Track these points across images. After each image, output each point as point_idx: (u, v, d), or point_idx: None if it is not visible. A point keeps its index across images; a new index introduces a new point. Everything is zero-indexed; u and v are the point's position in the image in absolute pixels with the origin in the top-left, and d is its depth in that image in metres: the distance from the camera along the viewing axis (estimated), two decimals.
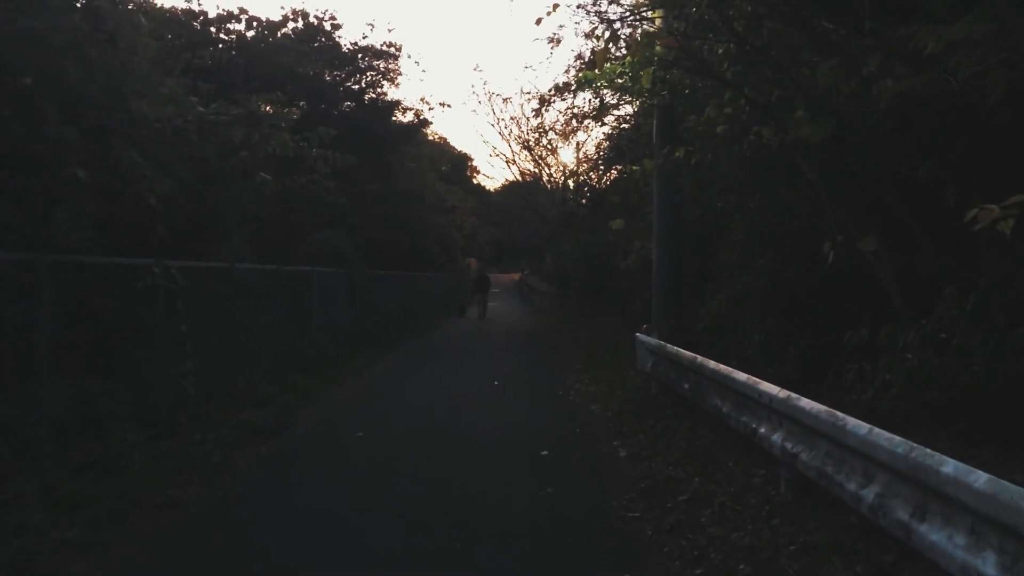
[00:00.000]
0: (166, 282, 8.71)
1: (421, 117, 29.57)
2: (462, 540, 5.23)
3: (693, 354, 7.12)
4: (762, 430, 5.24)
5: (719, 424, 7.02)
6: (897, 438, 3.52)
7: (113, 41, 7.45)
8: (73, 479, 6.43)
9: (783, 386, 5.71)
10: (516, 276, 70.76)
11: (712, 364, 6.42)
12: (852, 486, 3.91)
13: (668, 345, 8.24)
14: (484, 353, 17.77)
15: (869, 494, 3.70)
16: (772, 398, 4.98)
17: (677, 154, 9.54)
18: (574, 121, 22.21)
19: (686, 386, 7.43)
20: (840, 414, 4.12)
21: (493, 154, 71.81)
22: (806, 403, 4.52)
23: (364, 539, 5.33)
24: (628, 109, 19.80)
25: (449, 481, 6.72)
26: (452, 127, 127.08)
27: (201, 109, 8.74)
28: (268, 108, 9.72)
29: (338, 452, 7.99)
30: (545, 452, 7.70)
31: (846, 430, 3.95)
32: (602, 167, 24.22)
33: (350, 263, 18.29)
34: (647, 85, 8.11)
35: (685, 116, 9.42)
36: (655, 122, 11.01)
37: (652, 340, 9.06)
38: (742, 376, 5.64)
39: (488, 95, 50.00)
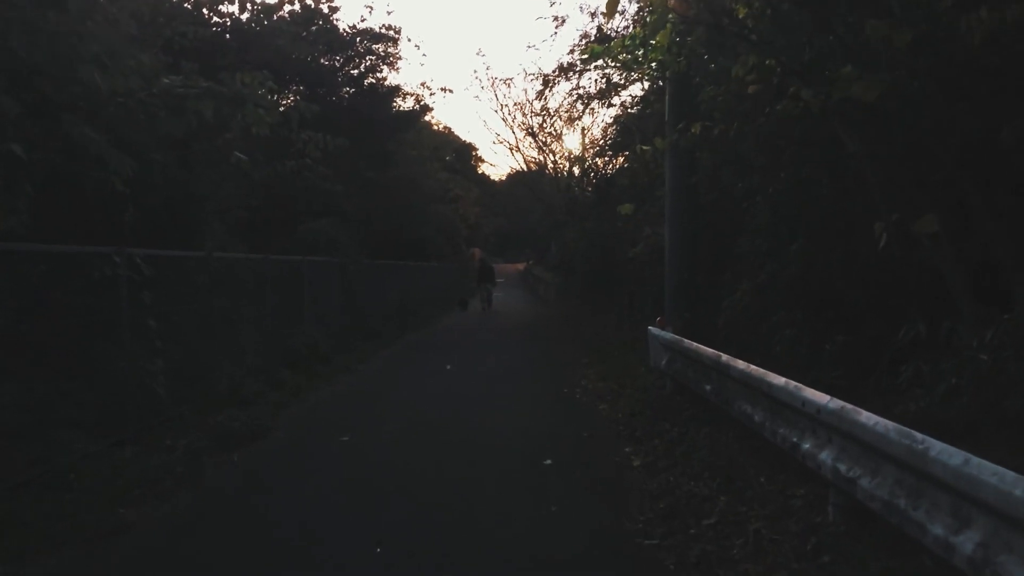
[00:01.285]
0: (130, 272, 7.91)
1: (422, 103, 28.67)
2: None
3: (716, 352, 6.28)
4: (805, 445, 4.40)
5: (745, 431, 6.19)
6: (1011, 474, 2.67)
7: (61, 4, 6.61)
8: (9, 498, 5.63)
9: (817, 388, 4.89)
10: (521, 266, 69.86)
11: (740, 364, 5.58)
12: (938, 529, 3.07)
13: (685, 341, 7.40)
14: (486, 347, 16.95)
15: (966, 543, 2.86)
16: (820, 408, 4.15)
17: (693, 130, 8.68)
18: (579, 104, 21.25)
19: (708, 388, 6.60)
20: (918, 434, 3.27)
21: (497, 141, 70.75)
22: (867, 417, 3.68)
23: None
24: (636, 90, 18.96)
25: (439, 498, 5.89)
26: (456, 116, 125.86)
27: (167, 80, 7.87)
28: (243, 79, 8.83)
29: (318, 461, 7.18)
30: (549, 461, 6.88)
31: (929, 457, 3.10)
32: (609, 153, 23.36)
33: (346, 253, 17.46)
34: (663, 42, 7.24)
35: (703, 87, 8.55)
36: (668, 96, 10.14)
37: (667, 335, 8.22)
38: (779, 380, 4.80)
39: (491, 80, 48.59)
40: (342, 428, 8.49)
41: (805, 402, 4.33)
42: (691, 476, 5.98)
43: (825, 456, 4.14)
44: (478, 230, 69.63)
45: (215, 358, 10.08)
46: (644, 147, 11.10)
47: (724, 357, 6.04)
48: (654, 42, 8.13)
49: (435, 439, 7.89)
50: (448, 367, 8.67)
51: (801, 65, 5.62)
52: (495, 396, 10.33)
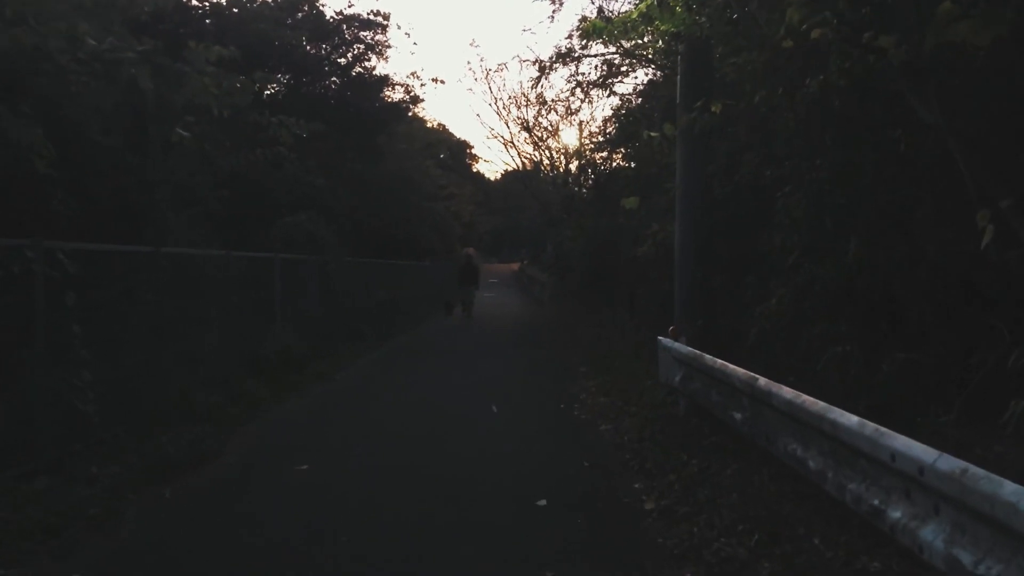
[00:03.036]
0: (48, 270, 6.68)
1: (412, 93, 27.41)
2: None
3: (751, 374, 5.06)
4: (895, 514, 3.19)
5: (787, 471, 4.98)
6: None
7: None
8: None
9: (870, 417, 3.70)
10: (515, 266, 68.60)
11: (787, 393, 4.36)
12: None
13: (707, 356, 6.17)
14: (477, 353, 15.72)
15: None
16: (923, 467, 2.93)
17: (713, 109, 7.48)
18: (578, 91, 19.99)
19: (738, 416, 5.38)
20: None
21: (491, 136, 69.16)
22: (1013, 491, 2.48)
23: None
24: (640, 77, 17.79)
25: (403, 558, 4.68)
26: (449, 111, 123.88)
27: (93, 43, 6.63)
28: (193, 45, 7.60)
29: (265, 498, 5.95)
30: (544, 501, 5.66)
31: None
32: (607, 148, 22.14)
33: (326, 249, 16.22)
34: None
35: (724, 59, 7.37)
36: (680, 71, 8.92)
37: (683, 348, 7.00)
38: (849, 419, 3.58)
39: (485, 72, 47.08)
40: (303, 453, 7.27)
41: (896, 455, 3.13)
42: (720, 529, 4.77)
43: (931, 535, 2.93)
44: (473, 229, 68.46)
45: (164, 368, 8.85)
46: (652, 133, 9.90)
47: (762, 381, 4.82)
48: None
49: (409, 471, 6.66)
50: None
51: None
52: (484, 413, 9.10)
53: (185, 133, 7.55)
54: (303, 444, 7.71)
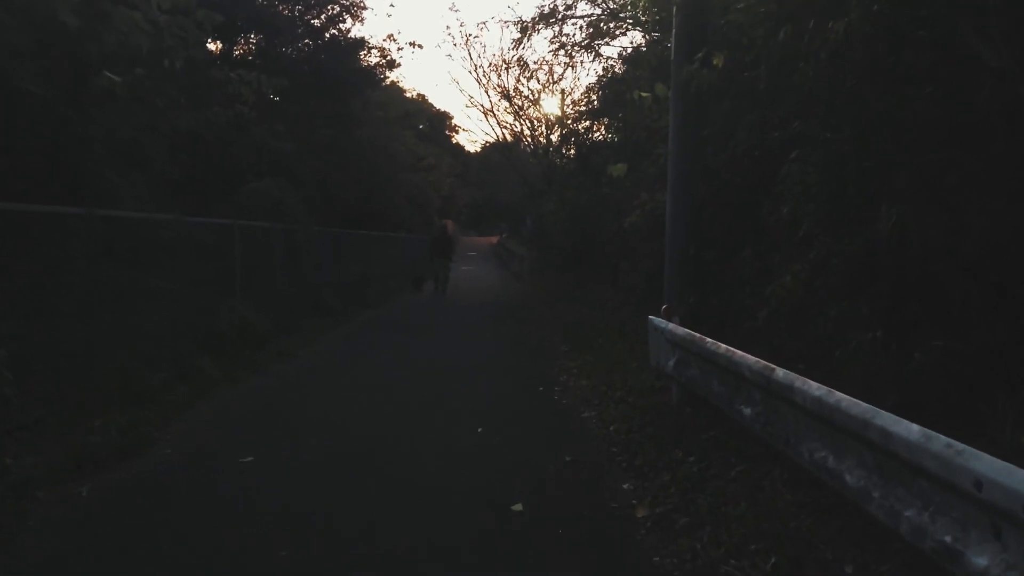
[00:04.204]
0: None
1: (388, 58, 26.30)
2: None
3: (765, 363, 4.29)
4: (979, 561, 2.39)
5: (803, 475, 4.25)
6: None
7: None
8: None
9: (903, 414, 2.98)
10: (494, 239, 67.76)
11: (815, 388, 3.59)
12: None
13: (709, 341, 5.39)
14: (452, 329, 14.90)
15: None
16: None
17: (715, 62, 6.67)
18: (562, 53, 19.01)
19: (747, 411, 4.62)
20: None
21: (470, 104, 67.23)
22: None
23: None
24: (627, 42, 16.95)
25: None
26: (430, 84, 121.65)
27: None
28: None
29: (196, 501, 5.12)
30: (519, 506, 4.90)
31: None
32: (588, 121, 21.23)
33: (294, 218, 15.29)
34: None
35: (730, 4, 6.54)
36: (676, 22, 8.06)
37: (679, 329, 6.21)
38: (909, 430, 2.79)
39: (465, 37, 45.58)
40: (250, 442, 6.46)
41: (984, 483, 2.38)
42: (728, 547, 4.02)
43: None
44: (451, 201, 67.39)
45: (101, 344, 7.98)
46: (643, 94, 9.07)
47: (781, 373, 4.05)
48: None
49: (368, 467, 5.86)
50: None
51: None
52: (456, 397, 8.32)
53: (116, 78, 6.61)
54: (252, 432, 6.88)
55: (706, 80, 7.32)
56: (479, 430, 6.81)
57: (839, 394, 3.42)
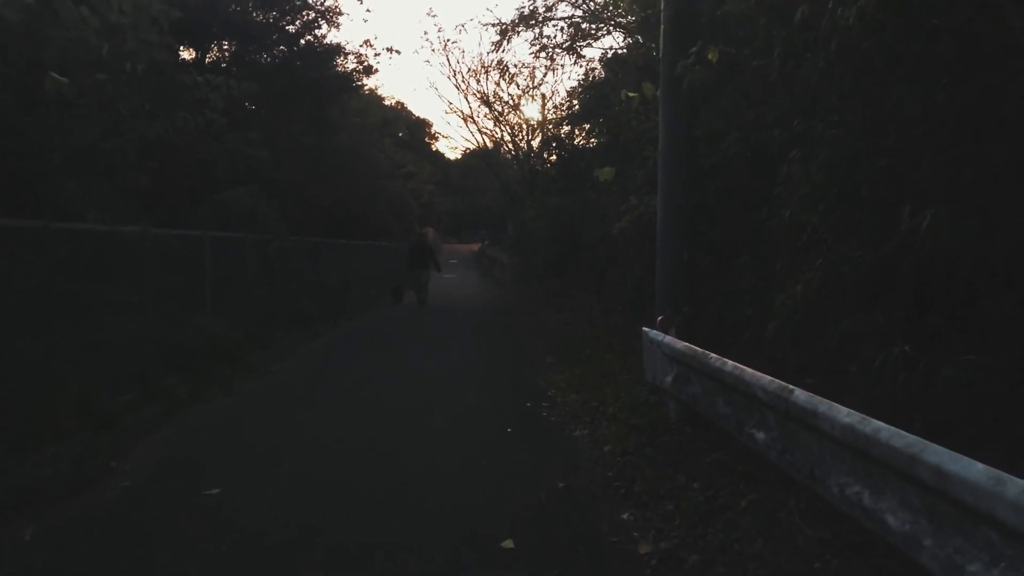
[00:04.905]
0: None
1: (365, 63, 25.81)
2: None
3: (782, 384, 3.87)
4: None
5: (818, 500, 3.83)
6: None
7: None
8: None
9: (932, 437, 2.58)
10: (475, 247, 67.32)
11: (845, 414, 3.16)
12: None
13: (713, 357, 4.96)
14: (433, 340, 14.42)
15: None
16: None
17: (710, 56, 6.28)
18: (542, 55, 18.62)
19: (760, 436, 4.19)
20: None
21: (449, 111, 66.63)
22: None
23: None
24: (610, 42, 16.58)
25: None
26: (409, 92, 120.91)
27: None
28: None
29: (152, 543, 4.61)
30: (509, 542, 4.44)
31: None
32: (571, 124, 20.85)
33: (268, 228, 14.75)
34: None
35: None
36: (664, 16, 7.67)
37: (677, 343, 5.78)
38: (972, 470, 2.35)
39: (443, 43, 44.94)
40: (217, 470, 5.97)
41: None
42: None
43: None
44: (431, 209, 66.88)
45: (57, 364, 7.45)
46: (631, 93, 8.68)
47: (802, 395, 3.62)
48: None
49: (343, 493, 5.40)
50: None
51: None
52: (437, 414, 7.86)
53: (62, 79, 6.11)
54: (219, 458, 6.38)
55: (699, 76, 6.93)
56: (463, 453, 6.35)
57: (875, 422, 3.00)
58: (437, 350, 12.83)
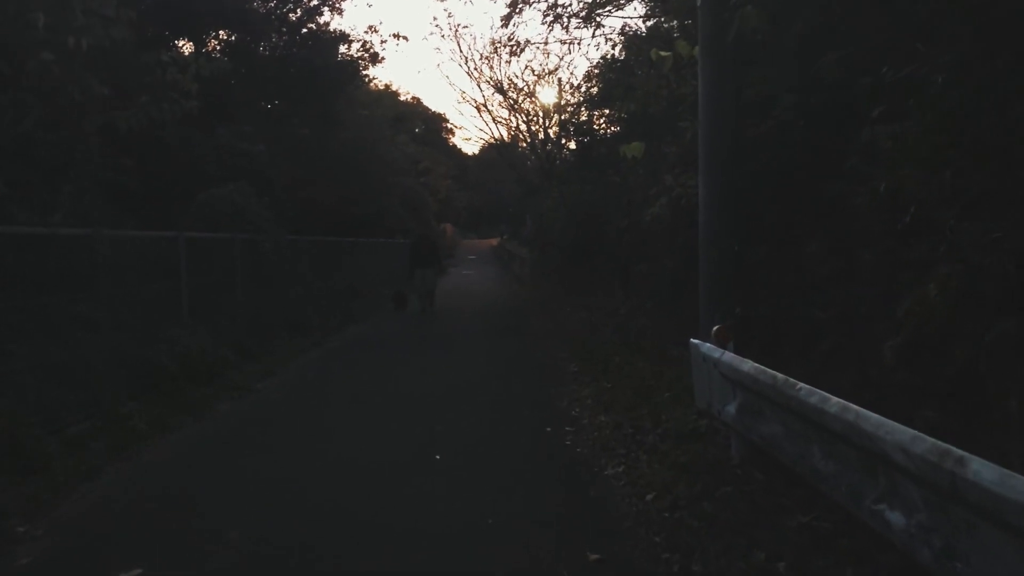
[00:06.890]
0: None
1: (371, 50, 24.45)
2: None
3: (932, 441, 2.45)
4: None
5: None
6: None
7: None
8: None
9: None
10: (494, 242, 66.18)
11: None
12: None
13: (803, 387, 3.50)
14: (444, 346, 13.04)
15: None
16: None
17: None
18: (558, 26, 17.10)
19: (896, 519, 2.75)
20: None
21: (462, 99, 64.78)
22: None
23: None
24: (631, 11, 15.12)
25: None
26: (424, 88, 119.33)
27: None
28: None
29: None
30: None
31: None
32: (586, 109, 19.37)
33: (258, 226, 13.42)
34: None
35: None
36: None
37: (742, 363, 4.34)
38: None
39: (453, 28, 43.90)
40: (150, 536, 4.64)
41: None
42: None
43: None
44: (450, 205, 65.59)
45: None
46: (663, 52, 7.23)
47: (983, 468, 2.22)
48: None
49: (303, 573, 4.03)
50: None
51: None
52: (442, 448, 6.46)
53: None
54: (157, 518, 5.03)
55: (753, 22, 5.49)
56: (465, 513, 4.94)
57: None
58: (447, 359, 11.44)
